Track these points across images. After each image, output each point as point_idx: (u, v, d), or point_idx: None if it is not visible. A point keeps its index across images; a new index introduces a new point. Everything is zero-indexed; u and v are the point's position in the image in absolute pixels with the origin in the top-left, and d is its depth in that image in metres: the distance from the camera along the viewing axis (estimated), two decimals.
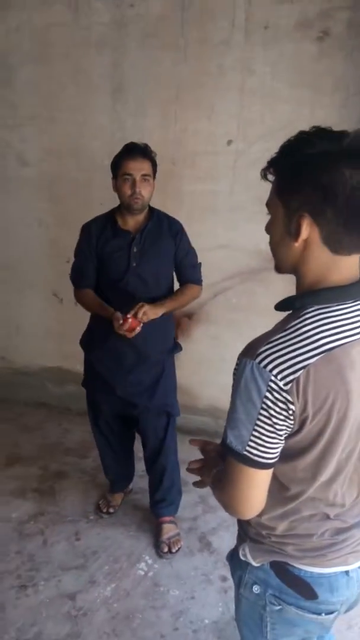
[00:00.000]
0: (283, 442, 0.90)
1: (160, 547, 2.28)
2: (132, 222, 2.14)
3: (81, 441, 3.06)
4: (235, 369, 0.93)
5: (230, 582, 2.10)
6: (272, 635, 1.06)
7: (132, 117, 2.98)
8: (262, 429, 0.87)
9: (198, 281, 2.34)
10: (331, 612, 1.01)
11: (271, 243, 0.99)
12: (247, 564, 1.04)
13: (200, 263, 2.38)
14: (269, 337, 0.89)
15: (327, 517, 0.98)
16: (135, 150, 2.07)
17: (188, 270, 2.30)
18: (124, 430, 2.44)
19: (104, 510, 2.50)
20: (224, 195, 2.95)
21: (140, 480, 2.61)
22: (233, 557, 1.12)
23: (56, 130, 3.15)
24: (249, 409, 0.87)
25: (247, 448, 0.88)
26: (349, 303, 0.89)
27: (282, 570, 1.00)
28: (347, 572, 1.00)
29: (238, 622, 1.17)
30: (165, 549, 2.27)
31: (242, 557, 1.05)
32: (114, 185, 2.12)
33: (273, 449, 0.89)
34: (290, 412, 0.86)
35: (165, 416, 2.32)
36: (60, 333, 3.43)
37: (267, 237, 3.03)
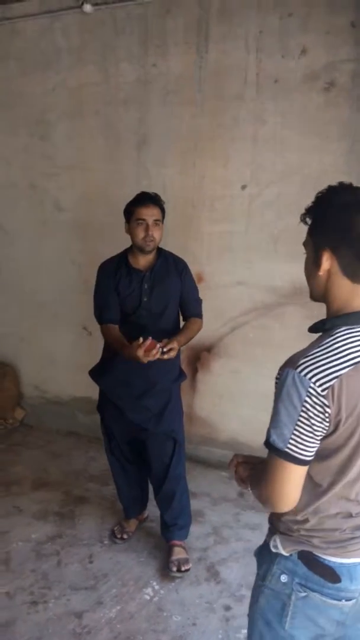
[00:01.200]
0: (319, 442, 1.05)
1: (169, 566, 2.35)
2: (143, 262, 2.35)
3: (104, 469, 3.18)
4: (277, 378, 1.08)
5: (233, 612, 2.18)
6: (290, 626, 1.16)
7: (156, 166, 3.22)
8: (302, 429, 1.02)
9: (200, 315, 2.50)
10: (349, 599, 1.12)
11: (306, 276, 1.20)
12: (276, 555, 1.17)
13: (201, 299, 2.53)
14: (306, 352, 1.05)
15: (350, 515, 1.12)
16: (147, 199, 2.30)
17: (192, 304, 2.47)
18: (136, 456, 2.57)
19: (118, 536, 2.61)
20: (239, 235, 3.11)
21: (156, 509, 2.71)
22: (261, 551, 1.25)
23: (88, 179, 3.45)
24: (290, 412, 1.03)
25: (288, 445, 1.03)
26: None
27: (309, 559, 1.13)
28: None
29: (254, 617, 1.25)
30: (175, 568, 2.34)
31: (272, 549, 1.18)
32: (126, 229, 2.34)
33: (310, 448, 1.04)
34: (327, 414, 1.01)
35: (172, 442, 2.43)
36: (89, 364, 3.58)
37: (280, 275, 3.19)
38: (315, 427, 1.02)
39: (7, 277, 3.93)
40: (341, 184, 1.11)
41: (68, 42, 3.31)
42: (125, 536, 2.62)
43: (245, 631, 2.05)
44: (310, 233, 1.15)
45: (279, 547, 1.16)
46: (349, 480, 1.09)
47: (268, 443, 1.07)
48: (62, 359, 3.80)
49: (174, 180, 3.17)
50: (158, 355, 2.08)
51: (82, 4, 3.12)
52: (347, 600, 1.12)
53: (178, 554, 2.42)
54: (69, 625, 2.09)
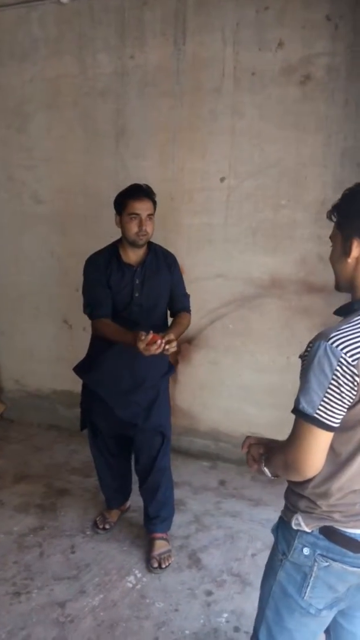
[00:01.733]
0: (345, 411, 1.12)
1: (150, 562, 2.38)
2: (134, 256, 2.34)
3: (86, 461, 3.21)
4: (307, 351, 1.17)
5: (214, 597, 2.22)
6: (310, 595, 1.24)
7: (134, 158, 3.23)
8: (331, 396, 1.10)
9: (189, 309, 2.51)
10: None
11: (332, 265, 1.28)
12: (297, 531, 1.25)
13: (189, 294, 2.55)
14: (337, 327, 1.14)
15: None
16: (140, 192, 2.27)
17: (180, 299, 2.48)
18: (120, 449, 2.58)
19: (100, 527, 2.63)
20: (218, 227, 3.13)
21: (139, 499, 2.73)
22: (280, 528, 1.33)
23: (66, 171, 3.43)
24: (321, 380, 1.10)
25: (317, 411, 1.11)
26: None
27: (332, 533, 1.21)
28: None
29: (270, 590, 1.33)
30: (155, 564, 2.36)
31: (294, 527, 1.25)
32: (117, 221, 2.31)
33: (337, 415, 1.11)
34: (355, 383, 1.09)
35: (160, 436, 2.44)
36: (70, 358, 3.57)
37: (258, 267, 3.22)
38: (343, 395, 1.10)
39: None
40: None
41: (45, 32, 3.28)
42: (107, 526, 2.64)
43: (226, 615, 2.12)
44: (338, 226, 1.24)
45: (302, 524, 1.23)
46: None
47: (297, 410, 1.14)
48: (43, 352, 3.79)
49: (153, 173, 3.16)
50: (160, 350, 2.02)
51: None
52: None
53: (160, 547, 2.43)
54: (52, 614, 2.11)
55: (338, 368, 1.09)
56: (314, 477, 1.20)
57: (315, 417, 1.11)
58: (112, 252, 2.36)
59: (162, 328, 2.33)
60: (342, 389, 1.09)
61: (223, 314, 3.24)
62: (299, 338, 3.05)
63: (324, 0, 2.66)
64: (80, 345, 3.25)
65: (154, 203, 2.31)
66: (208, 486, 3.11)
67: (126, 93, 3.16)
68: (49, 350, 3.76)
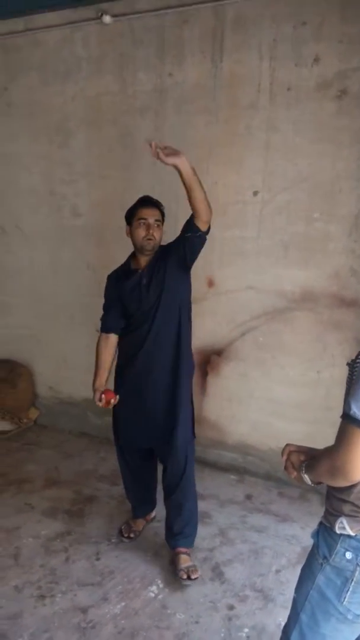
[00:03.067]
0: None
1: (179, 574, 2.34)
2: (143, 262, 2.40)
3: (114, 469, 3.22)
4: (358, 358, 1.18)
5: (236, 611, 2.20)
6: (350, 600, 1.25)
7: (170, 174, 3.25)
8: None
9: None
10: None
11: None
12: (340, 535, 1.26)
13: None
14: None
15: None
16: (148, 201, 2.41)
17: (183, 229, 2.30)
18: (145, 461, 2.61)
19: (125, 535, 2.65)
20: (251, 240, 3.15)
21: (164, 510, 2.74)
22: (321, 533, 1.34)
23: (105, 185, 3.53)
24: None
25: None
26: None
27: None
28: None
29: (307, 594, 1.33)
30: (185, 576, 2.33)
31: (338, 531, 1.26)
32: (127, 232, 2.42)
33: None
34: None
35: (184, 457, 2.41)
36: None
37: (290, 280, 3.20)
38: None
39: (26, 280, 4.02)
40: None
41: (87, 52, 3.41)
42: (132, 535, 2.65)
43: (247, 630, 2.10)
44: None
45: (346, 527, 1.24)
46: None
47: (348, 415, 1.15)
48: (76, 360, 3.87)
49: None
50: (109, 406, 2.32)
51: (102, 15, 3.22)
52: None
53: (185, 561, 2.40)
54: (74, 619, 2.14)
55: None
56: (358, 482, 1.21)
57: None
58: (125, 265, 2.50)
59: (174, 337, 2.35)
60: None
61: (254, 326, 3.24)
62: (330, 352, 3.02)
63: None
64: None
65: (162, 214, 2.40)
66: (234, 500, 3.08)
67: (164, 110, 3.24)
68: (81, 358, 3.82)
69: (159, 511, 2.75)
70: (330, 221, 2.89)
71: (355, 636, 1.35)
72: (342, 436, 1.17)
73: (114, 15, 3.23)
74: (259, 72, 2.93)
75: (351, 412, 1.14)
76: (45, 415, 4.08)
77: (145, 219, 2.33)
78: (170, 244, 2.38)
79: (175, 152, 2.12)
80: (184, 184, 2.17)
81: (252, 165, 3.04)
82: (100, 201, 3.57)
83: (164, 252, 2.39)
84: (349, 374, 1.21)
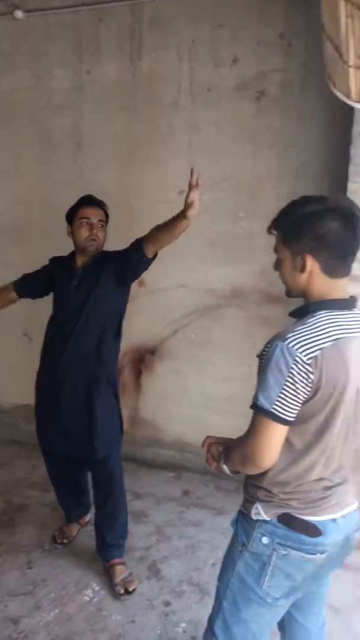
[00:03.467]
0: (300, 406, 1.19)
1: (116, 590, 2.27)
2: (80, 263, 2.31)
3: (46, 476, 3.12)
4: (264, 351, 1.25)
5: (172, 607, 2.21)
6: (268, 584, 1.29)
7: (93, 171, 3.25)
8: (287, 392, 1.17)
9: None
10: (323, 553, 1.27)
11: (282, 277, 1.35)
12: (256, 521, 1.30)
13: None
14: (292, 328, 1.22)
15: (322, 478, 1.28)
16: (91, 200, 2.32)
17: (131, 245, 2.25)
18: (70, 464, 2.48)
19: (59, 541, 2.59)
20: (179, 239, 3.15)
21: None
22: (239, 521, 1.38)
23: (24, 183, 3.43)
24: (278, 378, 1.17)
25: (274, 406, 1.18)
26: (345, 312, 1.26)
27: (290, 520, 1.27)
28: (334, 520, 1.29)
29: (228, 582, 1.36)
30: (122, 591, 2.26)
31: (254, 516, 1.30)
32: (69, 231, 2.32)
33: (293, 409, 1.19)
34: (309, 380, 1.17)
35: (107, 467, 2.32)
36: (30, 372, 3.54)
37: (218, 277, 3.24)
38: (298, 391, 1.17)
39: None
40: (305, 197, 1.28)
41: None
42: (65, 540, 2.60)
43: (184, 625, 2.11)
44: (284, 241, 1.30)
45: (261, 513, 1.29)
46: (324, 448, 1.24)
47: (255, 405, 1.21)
48: (3, 366, 3.73)
49: (112, 185, 3.19)
50: None
51: (13, 10, 3.13)
52: (321, 553, 1.27)
53: (121, 573, 2.33)
54: (5, 631, 2.06)
55: (293, 366, 1.16)
56: (270, 469, 1.26)
57: (272, 411, 1.18)
58: (69, 256, 2.40)
59: (95, 347, 2.23)
60: (297, 385, 1.17)
61: (185, 324, 3.26)
62: (260, 347, 3.07)
63: (277, 18, 2.74)
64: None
65: (106, 214, 2.33)
66: (171, 496, 3.09)
67: (82, 107, 3.19)
68: (8, 363, 3.71)
69: (93, 513, 2.71)
70: (254, 219, 2.96)
71: (277, 620, 1.40)
72: (251, 425, 1.23)
73: (27, 11, 3.15)
74: (179, 71, 2.96)
75: (258, 402, 1.20)
76: None
77: (87, 218, 2.24)
78: (114, 253, 2.29)
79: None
80: (175, 220, 2.14)
81: (175, 164, 3.06)
82: (19, 199, 3.47)
83: (104, 258, 2.29)
84: (259, 365, 1.27)
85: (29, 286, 2.43)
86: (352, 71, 0.90)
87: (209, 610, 2.14)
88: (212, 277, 3.14)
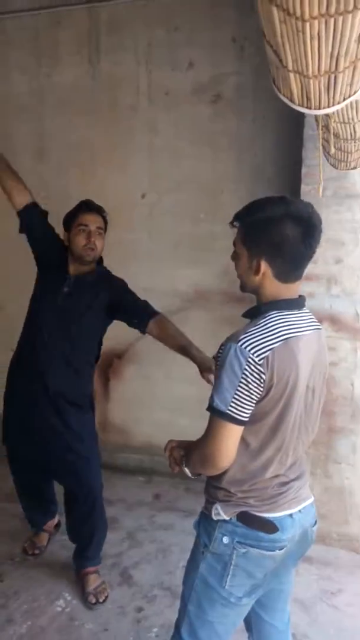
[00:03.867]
0: (254, 406, 1.20)
1: (88, 599, 2.25)
2: (74, 270, 2.20)
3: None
4: (219, 352, 1.26)
5: (145, 613, 2.21)
6: (231, 584, 1.30)
7: (54, 177, 3.22)
8: (241, 393, 1.19)
9: (157, 312, 2.31)
10: (281, 548, 1.30)
11: (237, 271, 1.35)
12: (217, 522, 1.31)
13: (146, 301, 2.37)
14: (245, 330, 1.23)
15: (278, 474, 1.30)
16: (90, 206, 2.22)
17: (140, 308, 2.27)
18: (40, 470, 2.41)
19: (30, 552, 2.55)
20: (142, 242, 3.17)
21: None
22: (201, 522, 1.39)
23: None
24: (232, 379, 1.19)
25: (229, 407, 1.19)
26: (295, 311, 1.29)
27: (248, 517, 1.29)
28: (291, 515, 1.32)
29: (192, 584, 1.37)
30: (93, 600, 2.25)
31: (214, 517, 1.31)
32: (65, 238, 2.21)
33: (247, 409, 1.20)
34: (262, 380, 1.18)
35: (91, 497, 2.27)
36: None
37: (182, 280, 3.25)
38: (252, 391, 1.18)
39: None
40: (270, 198, 1.29)
41: None
42: (36, 551, 2.56)
43: (156, 629, 2.11)
44: (243, 241, 1.30)
45: (221, 513, 1.30)
46: (278, 445, 1.26)
47: (211, 407, 1.22)
48: None
49: (75, 190, 3.15)
50: None
51: None
52: (279, 549, 1.29)
53: (94, 582, 2.31)
54: None
55: (247, 367, 1.17)
56: (228, 469, 1.27)
57: (227, 412, 1.19)
58: (65, 257, 2.23)
59: (82, 367, 2.23)
60: (250, 386, 1.18)
61: None
62: None
63: (229, 22, 2.78)
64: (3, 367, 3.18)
65: (105, 222, 2.23)
66: (143, 501, 3.09)
67: (43, 112, 3.17)
68: None
69: (63, 520, 2.68)
70: (215, 221, 2.99)
71: (241, 619, 1.42)
72: (208, 428, 1.24)
73: None
74: (137, 74, 2.97)
75: (214, 403, 1.21)
76: None
77: (86, 225, 2.13)
78: (118, 286, 2.27)
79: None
80: (188, 355, 2.24)
81: (137, 167, 3.07)
82: None
83: (104, 280, 2.24)
84: (215, 366, 1.28)
85: (41, 222, 2.28)
86: (291, 75, 0.92)
87: None
88: (176, 279, 3.15)
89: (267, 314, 1.26)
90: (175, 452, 1.44)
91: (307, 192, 2.35)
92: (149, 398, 3.35)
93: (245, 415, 1.20)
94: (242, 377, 1.17)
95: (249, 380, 1.18)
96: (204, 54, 2.84)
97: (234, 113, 2.84)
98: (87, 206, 2.20)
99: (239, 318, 3.02)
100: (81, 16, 2.98)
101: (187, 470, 1.39)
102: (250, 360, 1.17)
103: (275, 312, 1.26)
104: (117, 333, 3.41)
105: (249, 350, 1.17)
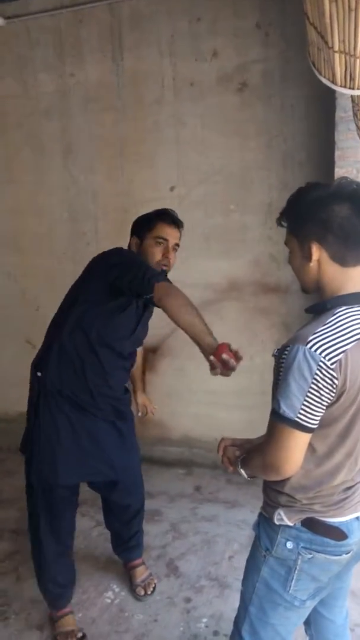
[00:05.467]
0: (324, 411, 1.13)
1: (136, 591, 2.28)
2: None
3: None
4: (285, 354, 1.16)
5: (193, 603, 2.22)
6: (295, 588, 1.26)
7: (83, 173, 3.25)
8: (311, 399, 1.11)
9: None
10: (348, 552, 1.25)
11: (294, 270, 1.28)
12: (279, 526, 1.26)
13: None
14: (313, 329, 1.14)
15: (345, 480, 1.23)
16: (173, 218, 1.99)
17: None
18: (70, 505, 2.07)
19: None
20: None
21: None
22: (261, 525, 1.34)
23: (16, 191, 3.42)
24: (301, 384, 1.11)
25: (299, 415, 1.12)
26: None
27: (314, 524, 1.23)
28: (357, 518, 1.26)
29: (254, 587, 1.33)
30: (142, 592, 2.28)
31: (277, 522, 1.26)
32: (136, 245, 1.98)
33: (317, 416, 1.13)
34: (334, 385, 1.10)
35: (139, 504, 2.25)
36: None
37: (214, 271, 3.27)
38: (323, 398, 1.11)
39: None
40: (308, 184, 1.24)
41: None
42: (80, 634, 2.05)
43: (205, 620, 2.12)
44: (291, 231, 1.24)
45: (284, 518, 1.25)
46: (348, 451, 1.19)
47: (278, 414, 1.15)
48: (7, 374, 3.73)
49: (103, 187, 3.20)
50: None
51: None
52: (346, 554, 1.25)
53: (141, 574, 2.33)
54: (31, 638, 2.08)
55: (318, 372, 1.09)
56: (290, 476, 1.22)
57: (296, 421, 1.12)
58: None
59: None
60: (321, 392, 1.11)
61: None
62: (260, 338, 3.10)
63: (253, 8, 2.75)
64: None
65: (180, 236, 2.03)
66: (184, 493, 3.11)
67: (69, 110, 3.19)
68: (12, 372, 3.69)
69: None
70: (246, 211, 2.97)
71: (303, 620, 1.39)
72: (272, 434, 1.18)
73: (7, 17, 3.14)
74: (161, 68, 2.95)
75: (280, 410, 1.14)
76: None
77: (166, 239, 1.93)
78: None
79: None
80: (195, 338, 1.73)
81: (165, 160, 3.07)
82: (13, 207, 3.47)
83: None
84: (275, 365, 1.21)
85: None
86: (337, 56, 0.90)
87: (229, 604, 2.19)
88: (208, 272, 3.14)
89: (336, 311, 1.16)
90: (229, 452, 1.40)
91: (342, 175, 2.31)
92: (185, 391, 3.36)
93: (314, 422, 1.13)
94: (313, 383, 1.10)
95: (320, 385, 1.10)
96: (227, 42, 2.81)
97: (261, 100, 2.81)
98: (169, 218, 1.97)
99: (272, 308, 3.04)
100: (103, 13, 2.98)
101: (242, 472, 1.34)
102: (321, 364, 1.09)
103: (344, 308, 1.16)
104: (150, 328, 3.44)
105: (320, 353, 1.09)
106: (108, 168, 3.19)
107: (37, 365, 2.06)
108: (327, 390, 1.10)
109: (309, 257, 1.19)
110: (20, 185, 3.40)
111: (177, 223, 1.99)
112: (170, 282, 1.76)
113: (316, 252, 1.18)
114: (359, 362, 1.12)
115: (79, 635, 2.05)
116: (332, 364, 1.09)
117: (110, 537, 2.40)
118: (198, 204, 3.06)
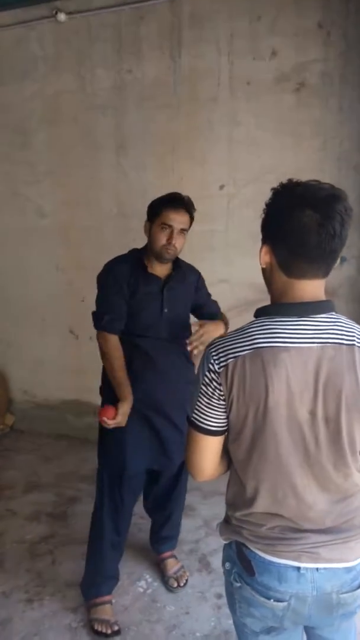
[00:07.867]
0: (222, 416, 1.08)
1: (169, 583, 2.32)
2: (159, 269, 2.07)
3: (96, 469, 3.23)
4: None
5: (225, 600, 2.22)
6: (239, 613, 1.17)
7: (134, 170, 3.29)
8: (202, 400, 1.09)
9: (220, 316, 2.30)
10: (280, 601, 1.08)
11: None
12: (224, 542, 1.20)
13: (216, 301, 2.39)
14: (228, 333, 1.11)
15: (277, 514, 1.09)
16: (179, 202, 2.01)
17: (213, 308, 2.32)
18: (135, 495, 2.22)
19: (109, 632, 2.05)
20: (220, 234, 3.18)
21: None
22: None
23: (69, 184, 3.50)
24: (199, 385, 1.10)
25: (193, 415, 1.11)
26: (292, 318, 1.04)
27: (239, 550, 1.14)
28: (298, 569, 1.07)
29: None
30: (175, 584, 2.31)
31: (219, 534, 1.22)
32: (146, 228, 2.05)
33: (211, 419, 1.09)
34: (221, 391, 1.06)
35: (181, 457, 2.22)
36: (77, 368, 3.68)
37: (259, 271, 3.26)
38: (213, 401, 1.07)
39: None
40: (289, 181, 1.12)
41: (43, 50, 3.37)
42: (116, 627, 2.06)
43: None
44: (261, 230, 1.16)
45: (219, 532, 1.21)
46: (256, 473, 1.08)
47: (188, 419, 1.14)
48: (50, 363, 3.83)
49: (153, 183, 3.22)
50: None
51: (56, 13, 3.19)
52: (276, 600, 1.08)
53: (173, 566, 2.38)
54: (64, 620, 2.13)
55: (207, 373, 1.07)
56: (227, 487, 1.18)
57: (191, 419, 1.11)
58: (136, 260, 2.07)
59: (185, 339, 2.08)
60: (208, 394, 1.07)
61: (228, 318, 3.27)
62: None
63: (315, 8, 2.72)
64: (86, 354, 3.30)
65: (192, 218, 2.05)
66: (218, 490, 3.11)
67: (125, 106, 3.23)
68: (56, 360, 3.80)
69: (138, 506, 2.74)
70: None
71: None
72: (187, 438, 1.16)
73: (68, 13, 3.21)
74: (218, 66, 2.96)
75: (188, 409, 1.14)
76: (21, 420, 4.04)
77: (170, 225, 1.96)
78: (200, 281, 2.28)
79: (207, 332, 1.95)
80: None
81: (216, 159, 3.08)
82: (65, 201, 3.54)
83: (189, 275, 2.20)
84: None
85: (122, 318, 2.03)
86: None
87: None
88: (253, 271, 3.10)
89: (254, 320, 1.08)
90: None
91: None
92: None
93: (211, 425, 1.08)
94: (203, 384, 1.07)
95: (207, 388, 1.06)
96: (287, 41, 2.79)
97: (319, 101, 2.78)
98: (174, 202, 1.99)
99: None
100: (164, 11, 3.01)
101: None
102: (210, 366, 1.05)
103: (264, 318, 1.06)
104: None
105: (213, 356, 1.06)
106: (159, 165, 3.22)
107: None
108: (215, 395, 1.06)
109: (261, 259, 1.12)
110: (73, 179, 3.47)
111: (184, 206, 2.01)
112: (105, 331, 2.02)
113: (265, 255, 1.11)
114: (251, 374, 1.02)
115: (115, 628, 2.05)
116: (219, 367, 1.04)
117: (150, 527, 2.46)
118: (247, 204, 3.06)
